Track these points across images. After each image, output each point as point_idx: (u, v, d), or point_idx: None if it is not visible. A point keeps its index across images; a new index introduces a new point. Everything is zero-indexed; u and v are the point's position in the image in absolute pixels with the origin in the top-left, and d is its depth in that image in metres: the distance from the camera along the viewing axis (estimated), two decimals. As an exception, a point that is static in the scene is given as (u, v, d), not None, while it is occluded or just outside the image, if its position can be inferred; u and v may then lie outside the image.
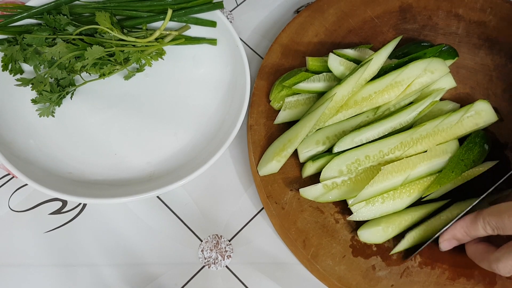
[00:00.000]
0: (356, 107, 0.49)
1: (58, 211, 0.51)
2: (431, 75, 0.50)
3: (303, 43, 0.56)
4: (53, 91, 0.51)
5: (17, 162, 0.48)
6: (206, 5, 0.55)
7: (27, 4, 0.54)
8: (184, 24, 0.56)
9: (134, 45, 0.53)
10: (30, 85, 0.51)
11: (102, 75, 0.53)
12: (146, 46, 0.53)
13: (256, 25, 0.62)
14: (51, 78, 0.52)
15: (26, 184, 0.51)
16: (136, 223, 0.50)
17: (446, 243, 0.45)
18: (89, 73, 0.54)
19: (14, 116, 0.52)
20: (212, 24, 0.56)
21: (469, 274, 0.46)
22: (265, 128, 0.52)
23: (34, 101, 0.51)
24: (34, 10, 0.53)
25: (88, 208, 0.51)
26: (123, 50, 0.52)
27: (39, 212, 0.50)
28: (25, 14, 0.53)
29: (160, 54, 0.56)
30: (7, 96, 0.53)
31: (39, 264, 0.48)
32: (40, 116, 0.52)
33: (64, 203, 0.51)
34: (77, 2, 0.54)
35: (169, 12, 0.53)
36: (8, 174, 0.52)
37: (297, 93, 0.52)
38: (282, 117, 0.51)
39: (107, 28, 0.51)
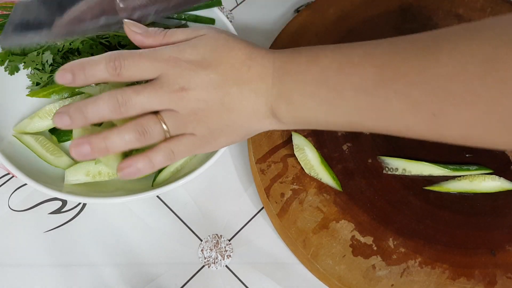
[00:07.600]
0: None
1: (57, 211, 0.51)
2: None
3: (303, 42, 0.56)
4: (45, 71, 0.51)
5: (16, 162, 0.48)
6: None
7: (26, 3, 0.53)
8: (184, 22, 0.57)
9: None
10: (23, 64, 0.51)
11: None
12: None
13: (256, 24, 0.62)
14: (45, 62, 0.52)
15: (25, 184, 0.51)
16: (136, 223, 0.50)
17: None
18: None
19: (13, 118, 0.52)
20: (211, 21, 0.56)
21: (469, 273, 0.46)
22: (265, 127, 0.51)
23: (28, 76, 0.51)
24: (34, 10, 0.53)
25: (87, 208, 0.51)
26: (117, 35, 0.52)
27: (38, 212, 0.50)
28: (25, 13, 0.53)
29: None
30: (6, 97, 0.53)
31: (39, 263, 0.48)
32: (27, 95, 0.51)
33: (64, 202, 0.51)
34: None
35: None
36: (8, 174, 0.52)
37: None
38: None
39: None
